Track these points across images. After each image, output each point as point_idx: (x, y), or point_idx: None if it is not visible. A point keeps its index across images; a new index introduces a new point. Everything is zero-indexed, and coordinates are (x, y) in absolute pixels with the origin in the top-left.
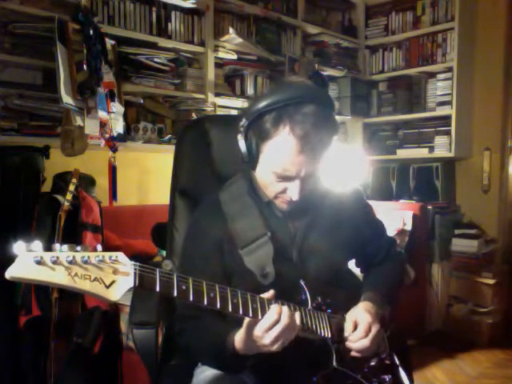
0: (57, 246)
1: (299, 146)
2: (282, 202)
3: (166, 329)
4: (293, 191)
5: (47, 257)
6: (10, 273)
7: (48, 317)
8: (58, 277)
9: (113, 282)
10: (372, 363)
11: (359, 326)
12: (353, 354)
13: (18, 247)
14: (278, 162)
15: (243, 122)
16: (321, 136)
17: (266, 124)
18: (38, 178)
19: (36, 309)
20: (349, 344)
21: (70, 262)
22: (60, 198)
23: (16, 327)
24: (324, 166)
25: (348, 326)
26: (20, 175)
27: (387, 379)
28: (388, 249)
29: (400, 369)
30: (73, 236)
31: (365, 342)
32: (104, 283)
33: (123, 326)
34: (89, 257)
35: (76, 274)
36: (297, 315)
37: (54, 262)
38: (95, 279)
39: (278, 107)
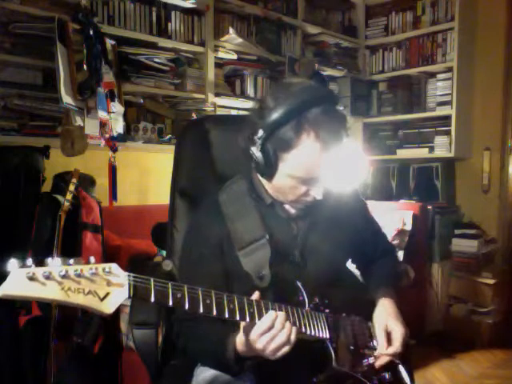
0: (49, 260)
1: (324, 149)
2: (301, 204)
3: (166, 329)
4: (317, 191)
5: (39, 272)
6: (3, 290)
7: (48, 317)
8: (51, 292)
9: (107, 295)
10: (371, 361)
11: (395, 339)
12: (378, 364)
13: (11, 264)
14: (303, 167)
15: (260, 134)
16: (339, 133)
17: (285, 133)
18: (38, 177)
19: (36, 309)
20: (381, 355)
21: (63, 277)
22: (60, 197)
23: (16, 327)
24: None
25: (381, 337)
26: (20, 175)
27: (387, 377)
28: (384, 244)
29: (400, 366)
30: (73, 236)
31: (398, 351)
32: (98, 296)
33: (123, 326)
34: (82, 270)
35: (69, 289)
36: (292, 327)
37: (47, 278)
38: (89, 292)
39: (296, 113)
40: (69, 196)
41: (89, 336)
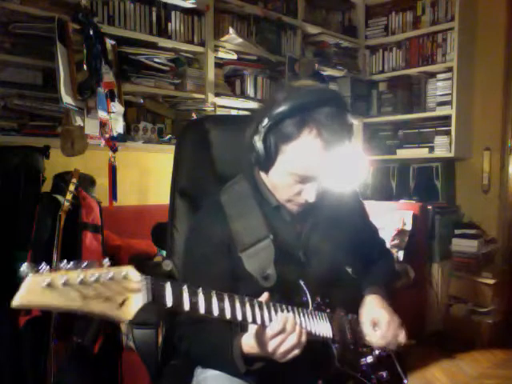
0: (63, 264)
1: (323, 148)
2: (294, 205)
3: (166, 329)
4: (309, 193)
5: (58, 279)
6: (19, 300)
7: (48, 317)
8: (70, 300)
9: (125, 301)
10: (369, 361)
11: (380, 324)
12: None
13: (24, 269)
14: (300, 163)
15: (265, 122)
16: (342, 137)
17: (288, 126)
18: (38, 178)
19: (36, 309)
20: (371, 343)
21: (81, 283)
22: (60, 197)
23: (16, 327)
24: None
25: (367, 326)
26: (20, 175)
27: (384, 376)
28: (380, 248)
29: (396, 365)
30: (73, 236)
31: (386, 340)
32: (116, 302)
33: (123, 326)
34: (99, 275)
35: (88, 296)
36: (302, 330)
37: (65, 284)
38: (107, 299)
39: (304, 109)
40: (69, 196)
41: (89, 336)
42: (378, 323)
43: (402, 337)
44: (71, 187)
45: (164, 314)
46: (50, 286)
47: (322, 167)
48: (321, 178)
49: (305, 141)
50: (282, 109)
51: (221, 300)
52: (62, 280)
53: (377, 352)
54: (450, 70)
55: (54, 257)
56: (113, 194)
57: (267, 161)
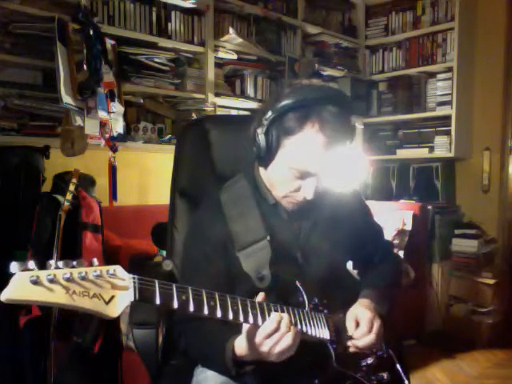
0: (52, 262)
1: (325, 145)
2: (291, 202)
3: (166, 329)
4: (308, 190)
5: (43, 276)
6: (6, 295)
7: (48, 317)
8: (56, 296)
9: (112, 298)
10: (369, 362)
11: (361, 322)
12: (352, 350)
13: (13, 267)
14: (301, 157)
15: (269, 115)
16: (345, 138)
17: (291, 119)
18: (38, 178)
19: (36, 309)
20: (353, 342)
21: (68, 280)
22: (60, 197)
23: (16, 327)
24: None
25: (350, 324)
26: (20, 175)
27: (385, 377)
28: (385, 251)
29: (397, 366)
30: (73, 236)
31: (370, 338)
32: (103, 299)
33: (123, 326)
34: (86, 273)
35: (74, 292)
36: (297, 329)
37: (51, 281)
38: (94, 296)
39: (308, 105)
40: (69, 196)
41: (89, 336)
42: (359, 321)
43: (378, 347)
44: (71, 187)
45: (163, 313)
46: (36, 282)
47: (322, 163)
48: (320, 174)
49: (306, 135)
50: (286, 102)
51: (211, 299)
52: (49, 277)
53: (378, 353)
54: (450, 70)
55: (54, 257)
56: (113, 194)
57: (268, 154)
